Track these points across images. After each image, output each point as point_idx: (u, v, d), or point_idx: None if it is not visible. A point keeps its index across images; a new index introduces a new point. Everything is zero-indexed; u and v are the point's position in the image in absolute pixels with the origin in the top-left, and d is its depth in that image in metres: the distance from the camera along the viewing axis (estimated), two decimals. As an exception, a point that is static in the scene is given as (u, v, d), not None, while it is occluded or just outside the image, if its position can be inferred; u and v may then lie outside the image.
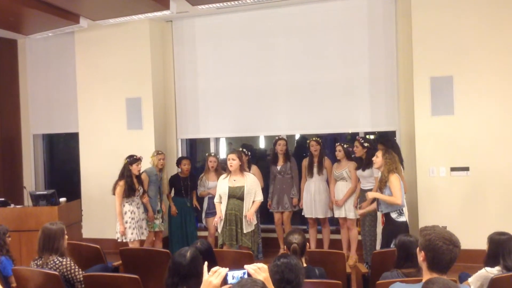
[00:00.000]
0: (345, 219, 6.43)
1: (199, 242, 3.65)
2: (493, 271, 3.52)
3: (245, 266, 2.22)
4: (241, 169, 5.43)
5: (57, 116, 8.38)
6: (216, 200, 5.59)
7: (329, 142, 7.85)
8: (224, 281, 2.19)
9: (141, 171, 6.25)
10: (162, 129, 7.73)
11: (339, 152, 6.38)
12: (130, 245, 5.90)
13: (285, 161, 6.73)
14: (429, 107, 6.24)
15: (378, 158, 5.13)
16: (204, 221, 6.94)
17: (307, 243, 3.66)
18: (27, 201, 7.32)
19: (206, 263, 2.36)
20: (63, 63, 8.18)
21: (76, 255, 4.49)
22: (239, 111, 7.49)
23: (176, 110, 7.82)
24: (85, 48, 7.79)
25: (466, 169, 6.14)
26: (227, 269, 2.23)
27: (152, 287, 4.09)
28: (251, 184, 5.38)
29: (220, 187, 5.49)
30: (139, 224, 6.08)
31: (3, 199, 6.58)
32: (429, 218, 6.04)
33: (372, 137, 7.28)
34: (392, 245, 4.78)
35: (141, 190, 6.14)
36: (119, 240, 5.99)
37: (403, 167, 5.90)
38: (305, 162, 6.70)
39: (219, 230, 5.46)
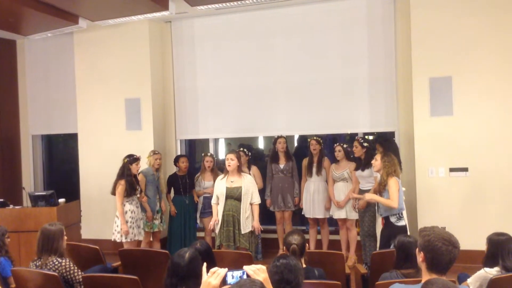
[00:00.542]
0: (344, 220, 6.43)
1: (198, 243, 3.64)
2: (492, 272, 3.52)
3: (244, 267, 2.23)
4: (239, 170, 5.43)
5: (56, 117, 8.38)
6: (213, 201, 5.57)
7: (328, 142, 7.85)
8: (223, 281, 2.19)
9: (138, 171, 6.24)
10: (161, 129, 7.73)
11: (339, 152, 6.38)
12: (125, 246, 5.86)
13: (287, 160, 6.73)
14: (428, 108, 6.25)
15: (377, 162, 5.15)
16: (199, 221, 6.95)
17: (307, 244, 3.66)
18: (26, 201, 7.32)
19: (205, 264, 2.36)
20: (62, 64, 8.18)
21: (75, 256, 4.49)
22: (238, 111, 7.49)
23: (175, 110, 7.82)
24: (84, 49, 7.79)
25: (465, 169, 6.14)
26: (226, 269, 2.23)
27: (151, 287, 4.09)
28: (248, 185, 5.38)
29: (217, 188, 5.48)
30: (137, 224, 6.07)
31: (2, 199, 6.58)
32: (428, 218, 6.04)
33: (371, 137, 7.29)
34: (391, 247, 4.79)
35: (139, 190, 6.14)
36: (118, 240, 5.96)
37: (401, 168, 5.89)
38: (305, 162, 6.71)
39: (216, 231, 5.45)
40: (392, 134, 6.86)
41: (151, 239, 6.61)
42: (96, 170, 7.56)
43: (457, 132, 6.16)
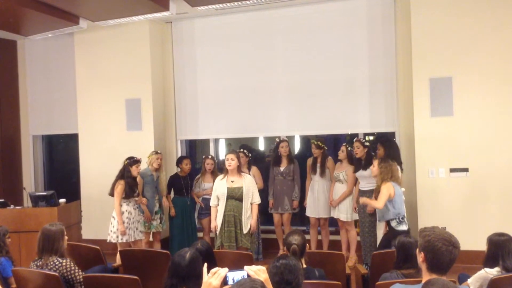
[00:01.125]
0: (343, 220, 6.42)
1: (199, 243, 3.64)
2: (493, 272, 3.52)
3: (245, 268, 2.23)
4: (239, 170, 5.41)
5: (56, 117, 8.38)
6: (212, 203, 5.50)
7: (329, 142, 7.85)
8: (224, 282, 2.19)
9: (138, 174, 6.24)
10: (161, 130, 7.74)
11: (342, 152, 6.38)
12: (120, 247, 5.82)
13: (288, 163, 6.73)
14: (429, 108, 6.25)
15: (375, 168, 5.25)
16: (197, 221, 6.95)
17: (307, 244, 3.66)
18: (27, 202, 7.32)
19: (205, 264, 2.36)
20: (63, 64, 8.19)
21: (76, 256, 4.48)
22: (238, 112, 7.49)
23: (175, 111, 7.82)
24: (84, 49, 7.80)
25: (466, 170, 6.15)
26: (227, 269, 2.23)
27: (152, 288, 4.10)
28: (249, 185, 5.37)
29: (217, 188, 5.43)
30: (135, 225, 6.06)
31: (2, 200, 6.58)
32: (429, 219, 6.05)
33: (371, 138, 7.29)
34: (392, 247, 4.80)
35: (137, 193, 6.14)
36: (113, 241, 5.94)
37: (401, 169, 5.91)
38: (309, 161, 6.71)
39: (217, 232, 5.43)
40: (392, 135, 6.86)
41: (151, 239, 6.61)
42: (97, 171, 7.56)
43: (457, 132, 6.16)
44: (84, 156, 7.82)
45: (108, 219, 6.10)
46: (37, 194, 6.61)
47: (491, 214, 6.02)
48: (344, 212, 6.34)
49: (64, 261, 3.85)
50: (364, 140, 6.26)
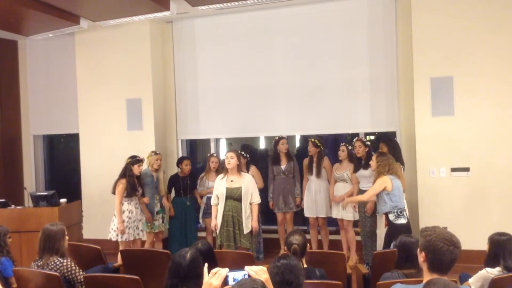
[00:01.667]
0: (342, 220, 6.42)
1: (200, 243, 3.64)
2: (494, 272, 3.52)
3: (246, 268, 2.22)
4: (239, 169, 5.40)
5: (57, 117, 8.38)
6: (213, 202, 5.51)
7: (330, 142, 7.85)
8: (225, 282, 2.19)
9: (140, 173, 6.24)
10: (162, 130, 7.73)
11: (342, 152, 6.37)
12: (121, 246, 5.85)
13: (288, 160, 6.73)
14: (429, 108, 6.24)
15: (373, 162, 5.27)
16: (201, 221, 6.95)
17: (308, 244, 3.65)
18: (28, 202, 7.32)
19: (206, 264, 2.36)
20: (64, 64, 8.19)
21: (77, 256, 4.49)
22: (239, 111, 7.49)
23: (176, 110, 7.82)
24: (85, 49, 7.80)
25: (467, 169, 6.14)
26: (227, 270, 2.23)
27: (153, 287, 4.09)
28: (248, 185, 5.35)
29: (217, 188, 5.43)
30: (135, 224, 6.06)
31: (3, 200, 6.58)
32: (430, 218, 6.04)
33: (372, 137, 7.29)
34: (391, 246, 4.80)
35: (140, 191, 6.14)
36: (113, 239, 5.97)
37: (403, 169, 5.91)
38: (305, 161, 6.71)
39: (217, 231, 5.43)
40: (393, 134, 6.86)
41: (154, 239, 6.61)
42: (97, 170, 7.57)
43: (458, 132, 6.15)
44: (85, 156, 7.82)
45: (109, 218, 6.11)
46: (38, 194, 6.61)
47: (492, 214, 6.01)
48: (350, 212, 6.32)
49: (65, 261, 3.85)
50: (365, 140, 6.26)
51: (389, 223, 5.07)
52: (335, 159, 6.64)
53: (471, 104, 6.11)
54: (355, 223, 6.37)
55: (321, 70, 7.07)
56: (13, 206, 6.55)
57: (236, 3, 6.31)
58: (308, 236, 6.55)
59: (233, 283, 2.14)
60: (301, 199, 6.72)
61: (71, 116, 8.08)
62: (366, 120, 6.92)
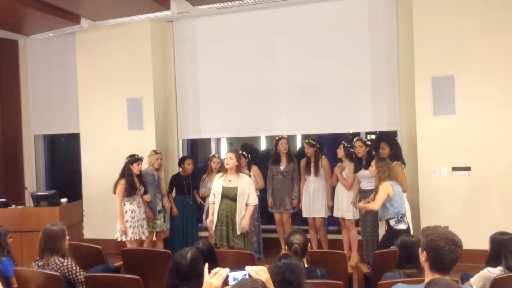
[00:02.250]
0: (344, 219, 6.41)
1: (201, 243, 3.63)
2: (495, 271, 3.51)
3: (246, 268, 2.22)
4: (237, 170, 5.38)
5: (58, 117, 8.39)
6: (210, 200, 5.52)
7: (330, 142, 7.84)
8: (225, 282, 2.19)
9: (140, 172, 6.23)
10: (163, 129, 7.73)
11: (339, 150, 6.37)
12: (129, 245, 5.89)
13: (288, 161, 6.72)
14: (431, 107, 6.23)
15: (372, 167, 5.25)
16: (205, 222, 6.94)
17: (309, 244, 3.64)
18: (28, 201, 7.32)
19: (207, 264, 2.35)
20: (64, 64, 8.19)
21: (77, 256, 4.49)
22: (240, 111, 7.48)
23: (177, 110, 7.81)
24: (86, 49, 7.80)
25: (468, 169, 6.13)
26: (228, 270, 2.22)
27: (153, 287, 4.08)
28: (244, 185, 5.33)
29: (215, 186, 5.45)
30: (140, 223, 6.07)
31: (4, 199, 6.58)
32: (431, 218, 6.04)
33: (373, 137, 7.27)
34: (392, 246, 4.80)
35: (143, 190, 6.14)
36: (118, 239, 5.99)
37: (404, 167, 5.90)
38: (303, 162, 6.71)
39: (212, 230, 5.43)
40: (394, 134, 6.85)
41: (154, 238, 6.61)
42: (98, 170, 7.56)
43: (459, 131, 6.14)
44: (86, 155, 7.82)
45: (110, 218, 6.13)
46: (38, 193, 6.61)
47: (494, 213, 6.00)
48: (350, 211, 6.31)
49: (65, 261, 3.85)
50: (365, 139, 6.25)
51: (389, 227, 5.07)
52: (334, 159, 6.63)
53: (472, 104, 6.10)
54: (357, 223, 6.37)
55: (322, 69, 7.06)
56: (13, 206, 6.56)
57: (236, 2, 6.31)
58: (308, 236, 6.54)
59: (234, 283, 2.13)
60: (299, 201, 6.70)
61: (72, 115, 8.08)
62: (367, 119, 6.91)
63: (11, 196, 7.34)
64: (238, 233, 5.28)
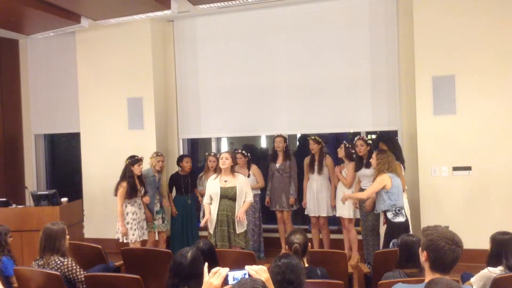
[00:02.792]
0: (344, 219, 6.41)
1: (201, 242, 3.63)
2: (496, 271, 3.50)
3: (246, 267, 2.22)
4: (232, 170, 5.38)
5: (58, 116, 8.39)
6: (205, 201, 5.45)
7: (331, 141, 7.83)
8: (225, 281, 2.18)
9: (141, 172, 6.23)
10: (163, 129, 7.73)
11: (340, 149, 6.37)
12: (131, 246, 5.88)
13: (284, 159, 6.72)
14: (431, 107, 6.23)
15: (373, 159, 5.30)
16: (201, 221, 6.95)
17: (309, 243, 3.64)
18: (29, 201, 7.32)
19: (206, 264, 2.35)
20: (65, 63, 8.19)
21: (78, 255, 4.48)
22: (240, 110, 7.48)
23: (177, 110, 7.82)
24: (86, 48, 7.80)
25: (468, 168, 6.12)
26: (228, 269, 2.22)
27: (154, 287, 4.08)
28: (242, 185, 5.31)
29: (210, 188, 5.37)
30: (141, 224, 6.07)
31: (4, 199, 6.58)
32: (431, 217, 6.04)
33: (373, 136, 7.27)
34: (391, 245, 4.81)
35: (143, 191, 6.14)
36: (120, 240, 5.99)
37: (404, 167, 5.89)
38: (306, 160, 6.70)
39: (211, 230, 5.41)
40: (395, 133, 6.84)
41: (157, 238, 6.61)
42: (99, 169, 7.57)
43: (460, 131, 6.14)
44: (86, 155, 7.83)
45: (110, 218, 6.13)
46: (39, 193, 6.61)
47: (494, 213, 6.00)
48: (346, 209, 6.32)
49: (66, 260, 3.85)
50: (366, 138, 6.25)
51: (387, 221, 5.10)
52: (335, 159, 6.63)
53: (473, 103, 6.09)
54: (357, 222, 6.37)
55: (323, 68, 7.06)
56: (14, 205, 6.55)
57: (237, 1, 6.30)
58: (309, 235, 6.53)
59: (233, 282, 2.13)
60: (295, 200, 6.70)
61: (72, 115, 8.08)
62: (368, 119, 6.91)
63: (12, 196, 7.34)
64: (238, 232, 5.27)
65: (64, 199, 6.59)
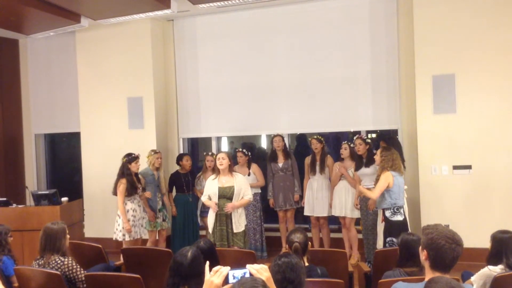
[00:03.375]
0: (344, 218, 6.41)
1: (202, 241, 3.63)
2: (496, 270, 3.50)
3: (247, 266, 2.21)
4: (230, 169, 5.38)
5: (58, 116, 8.39)
6: (204, 199, 5.48)
7: (331, 140, 7.83)
8: (226, 280, 2.18)
9: (139, 170, 6.23)
10: (163, 128, 7.73)
11: (345, 150, 6.36)
12: (126, 245, 5.83)
13: (285, 158, 6.71)
14: (431, 105, 6.23)
15: (377, 156, 5.29)
16: (199, 220, 6.95)
17: (310, 242, 3.64)
18: (29, 200, 7.32)
19: (208, 262, 2.35)
20: (65, 63, 8.19)
21: (78, 255, 4.49)
22: (240, 110, 7.48)
23: (177, 109, 7.82)
24: (86, 48, 7.80)
25: (469, 167, 6.12)
26: (229, 268, 2.22)
27: (154, 286, 4.09)
28: (240, 184, 5.32)
29: (209, 188, 5.39)
30: (140, 222, 6.07)
31: (5, 198, 6.59)
32: (432, 216, 6.04)
33: (374, 135, 7.27)
34: (386, 244, 4.82)
35: (141, 188, 6.14)
36: (119, 240, 5.97)
37: (404, 167, 5.89)
38: (307, 160, 6.69)
39: (210, 229, 5.41)
40: (395, 132, 6.84)
41: (157, 237, 6.61)
42: (99, 169, 7.57)
43: (460, 129, 6.14)
44: (86, 154, 7.83)
45: (110, 217, 6.12)
46: (39, 192, 6.61)
47: (495, 212, 6.00)
48: (343, 208, 6.32)
49: (66, 259, 3.85)
50: (365, 137, 6.25)
51: (385, 219, 5.11)
52: (336, 158, 6.63)
53: (473, 102, 6.09)
54: (358, 221, 6.37)
55: (323, 68, 7.06)
56: (14, 205, 6.56)
57: (236, 0, 6.30)
58: (309, 235, 6.54)
59: (234, 281, 2.13)
60: (300, 196, 6.70)
61: (72, 114, 8.09)
62: (368, 118, 6.91)
63: (12, 195, 7.35)
64: (235, 231, 5.27)
65: (64, 199, 6.59)
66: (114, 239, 6.01)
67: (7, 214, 6.26)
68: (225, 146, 8.21)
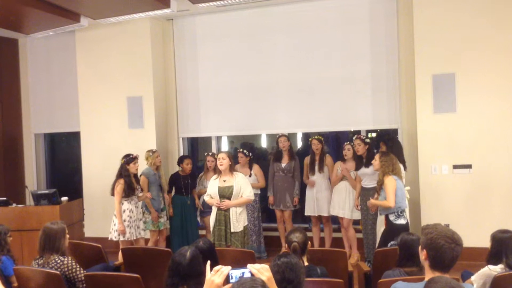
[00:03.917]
0: (343, 218, 6.41)
1: (201, 241, 3.62)
2: (496, 269, 3.50)
3: (248, 266, 2.21)
4: (231, 169, 5.38)
5: (58, 115, 8.39)
6: (206, 198, 5.49)
7: (331, 140, 7.83)
8: (227, 280, 2.18)
9: (138, 170, 6.22)
10: (163, 128, 7.73)
11: (348, 151, 6.34)
12: (122, 245, 5.80)
13: (290, 159, 6.71)
14: (431, 105, 6.22)
15: (376, 161, 5.24)
16: (199, 219, 6.95)
17: (309, 242, 3.63)
18: (29, 200, 7.33)
19: (208, 262, 2.34)
20: (64, 62, 8.19)
21: (78, 255, 4.49)
22: (240, 109, 7.47)
23: (177, 108, 7.81)
24: (86, 47, 7.79)
25: (469, 166, 6.12)
26: (230, 267, 2.21)
27: (154, 286, 4.08)
28: (239, 183, 5.32)
29: (210, 188, 5.43)
30: (136, 223, 6.05)
31: (4, 198, 6.58)
32: (432, 216, 6.03)
33: (374, 135, 7.26)
34: (389, 245, 4.80)
35: (140, 189, 6.13)
36: (115, 239, 5.94)
37: (405, 167, 5.87)
38: (306, 160, 6.69)
39: (211, 229, 5.42)
40: (395, 132, 6.83)
41: (158, 237, 6.61)
42: (99, 169, 7.56)
43: (460, 129, 6.13)
44: (86, 154, 7.82)
45: (110, 217, 6.10)
46: (39, 192, 6.61)
47: (495, 211, 5.99)
48: (341, 209, 6.31)
49: (66, 259, 3.84)
50: (364, 137, 6.24)
51: (388, 222, 5.06)
52: (336, 158, 6.62)
53: (473, 101, 6.09)
54: (356, 221, 6.36)
55: (323, 67, 7.05)
56: (14, 205, 6.56)
57: (236, 0, 6.29)
58: (310, 234, 6.53)
59: (232, 280, 2.12)
60: (299, 199, 6.69)
61: (72, 114, 8.08)
62: (368, 117, 6.90)
63: (12, 195, 7.34)
64: (233, 230, 5.27)
65: (64, 198, 6.59)
66: (109, 238, 5.99)
67: (7, 213, 6.26)
68: (225, 146, 8.20)
